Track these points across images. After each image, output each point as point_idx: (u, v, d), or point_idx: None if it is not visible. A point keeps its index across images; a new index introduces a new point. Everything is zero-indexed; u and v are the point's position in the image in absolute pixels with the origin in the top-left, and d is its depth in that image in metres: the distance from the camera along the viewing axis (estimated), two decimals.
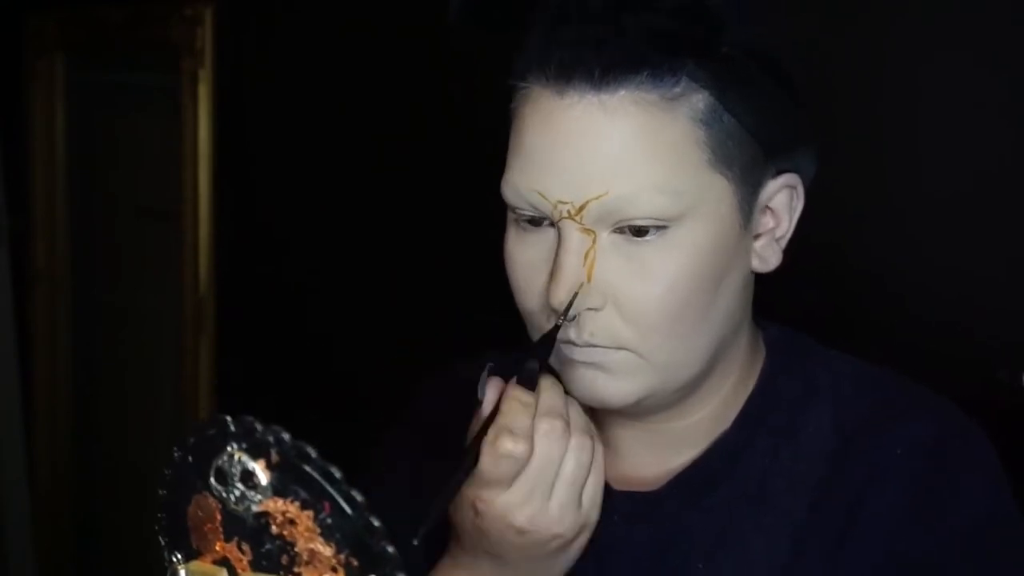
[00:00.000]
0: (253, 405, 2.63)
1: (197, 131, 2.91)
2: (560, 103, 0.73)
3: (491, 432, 0.74)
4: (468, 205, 2.53)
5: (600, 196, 0.73)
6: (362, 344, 2.67)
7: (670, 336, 0.76)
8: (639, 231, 0.74)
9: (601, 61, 0.72)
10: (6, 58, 3.25)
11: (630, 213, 0.73)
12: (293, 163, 2.80)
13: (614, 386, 0.77)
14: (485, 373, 0.78)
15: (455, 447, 0.88)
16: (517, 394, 0.75)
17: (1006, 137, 1.93)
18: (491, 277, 0.83)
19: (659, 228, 0.74)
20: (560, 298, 0.74)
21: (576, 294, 0.74)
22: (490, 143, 0.83)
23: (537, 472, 0.74)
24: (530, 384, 0.76)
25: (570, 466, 0.75)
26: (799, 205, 0.82)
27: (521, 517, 0.74)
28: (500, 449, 0.73)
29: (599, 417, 0.86)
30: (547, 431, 0.75)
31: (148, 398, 3.29)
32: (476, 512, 0.75)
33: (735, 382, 0.84)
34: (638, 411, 0.82)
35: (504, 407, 0.75)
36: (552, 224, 0.76)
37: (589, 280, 0.74)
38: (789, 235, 0.82)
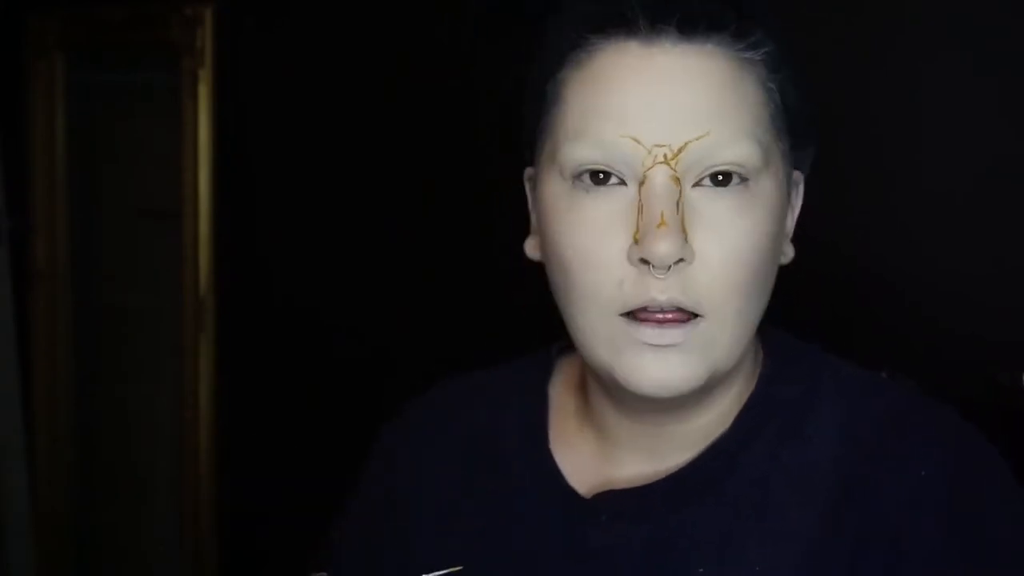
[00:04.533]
0: (253, 405, 2.65)
1: (197, 131, 2.91)
2: (650, 51, 0.73)
3: None
4: (469, 204, 2.53)
5: (700, 137, 0.72)
6: (362, 344, 2.67)
7: (745, 298, 0.74)
8: (724, 180, 0.73)
9: (691, 15, 0.73)
10: (6, 58, 3.25)
11: (723, 158, 0.72)
12: (293, 163, 2.80)
13: (688, 368, 0.73)
14: None
15: (421, 494, 0.89)
16: None
17: (1006, 137, 1.93)
18: (492, 276, 0.83)
19: (742, 181, 0.73)
20: (663, 247, 0.70)
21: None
22: (490, 142, 0.83)
23: None
24: None
25: None
26: (799, 203, 0.83)
27: None
28: None
29: (597, 416, 0.84)
30: None
31: (148, 398, 3.28)
32: None
33: (741, 383, 0.82)
34: (668, 407, 0.78)
35: None
36: (622, 182, 0.73)
37: (683, 229, 0.71)
38: (791, 233, 0.82)
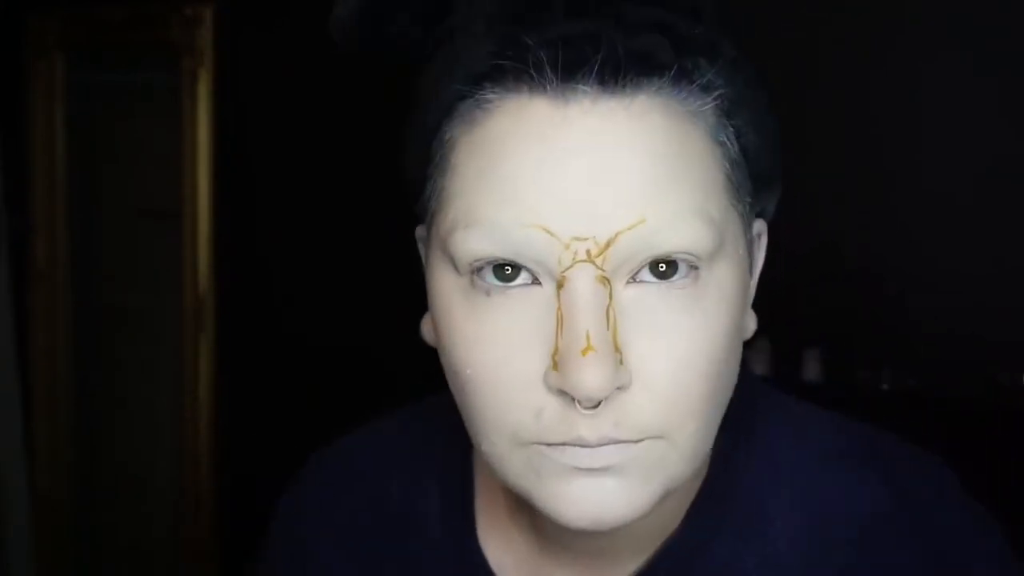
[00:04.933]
0: (253, 405, 2.66)
1: (197, 131, 2.91)
2: (564, 112, 0.55)
3: None
4: None
5: (634, 225, 0.54)
6: (362, 344, 2.67)
7: (706, 411, 0.57)
8: (667, 271, 0.56)
9: (613, 59, 0.55)
10: (6, 58, 3.25)
11: (665, 246, 0.55)
12: (293, 163, 2.80)
13: (630, 493, 0.57)
14: None
15: (352, 540, 0.74)
16: None
17: (1006, 137, 1.93)
18: None
19: (690, 269, 0.56)
20: (594, 380, 0.53)
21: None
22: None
23: None
24: None
25: None
26: (761, 257, 0.66)
27: None
28: None
29: (528, 514, 0.68)
30: None
31: (148, 398, 3.29)
32: None
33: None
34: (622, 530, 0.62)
35: None
36: (535, 280, 0.56)
37: (617, 348, 0.54)
38: (753, 294, 0.65)
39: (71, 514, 3.34)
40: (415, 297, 2.60)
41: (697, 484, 0.66)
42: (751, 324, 0.64)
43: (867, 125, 2.01)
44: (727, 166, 0.58)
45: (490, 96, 0.56)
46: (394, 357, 2.53)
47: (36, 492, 3.24)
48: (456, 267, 0.57)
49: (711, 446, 0.60)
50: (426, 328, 0.66)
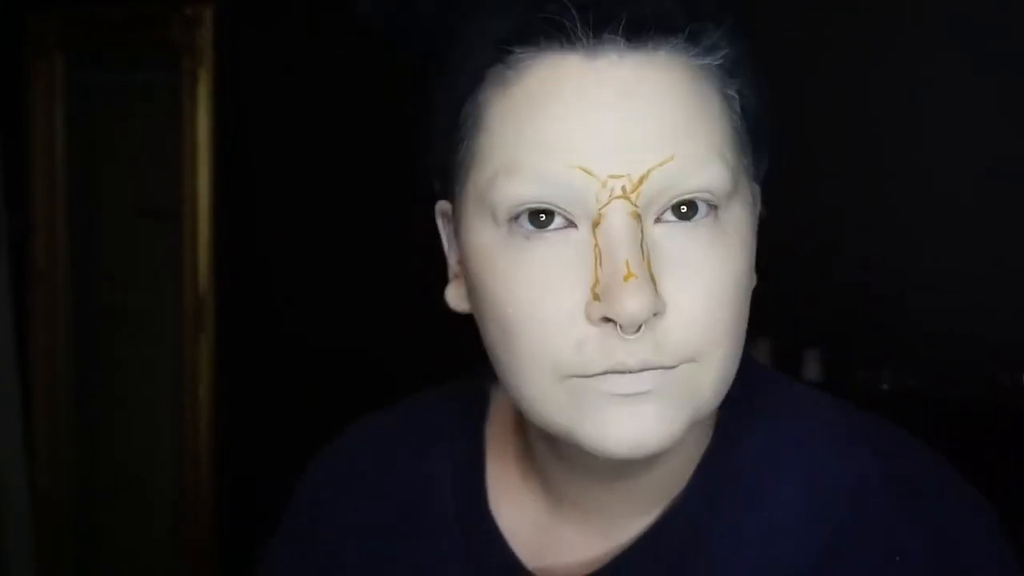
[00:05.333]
0: (253, 405, 2.66)
1: (197, 131, 2.91)
2: (594, 64, 0.60)
3: None
4: None
5: (665, 162, 0.59)
6: (362, 344, 2.67)
7: (731, 341, 0.62)
8: (690, 211, 0.61)
9: (636, 18, 0.60)
10: (6, 58, 3.25)
11: (690, 185, 0.60)
12: (293, 163, 2.80)
13: (665, 420, 0.60)
14: None
15: (343, 550, 0.77)
16: None
17: (1006, 137, 1.93)
18: None
19: (711, 208, 0.61)
20: (634, 305, 0.57)
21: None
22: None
23: None
24: None
25: None
26: (755, 223, 0.69)
27: None
28: None
29: (542, 468, 0.72)
30: None
31: (148, 398, 3.29)
32: None
33: (700, 428, 0.69)
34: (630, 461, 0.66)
35: None
36: (570, 223, 0.61)
37: (652, 277, 0.59)
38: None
39: (71, 514, 3.34)
40: (415, 297, 2.61)
41: (701, 450, 0.70)
42: (754, 278, 0.67)
43: (867, 125, 2.01)
44: (735, 119, 0.64)
45: (522, 56, 0.61)
46: (394, 357, 2.54)
47: (36, 492, 3.24)
48: (495, 218, 0.62)
49: (734, 375, 0.64)
50: (451, 294, 0.72)
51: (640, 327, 0.59)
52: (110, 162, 3.33)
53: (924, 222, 1.99)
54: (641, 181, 0.59)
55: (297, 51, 2.75)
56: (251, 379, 2.91)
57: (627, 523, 0.70)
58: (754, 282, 0.67)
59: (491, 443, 0.75)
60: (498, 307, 0.62)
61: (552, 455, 0.69)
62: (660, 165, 0.59)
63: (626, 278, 0.58)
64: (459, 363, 1.02)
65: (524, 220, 0.61)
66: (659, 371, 0.60)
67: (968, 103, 1.94)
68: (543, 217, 0.61)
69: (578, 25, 0.60)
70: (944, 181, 1.97)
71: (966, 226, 1.95)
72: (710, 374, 0.62)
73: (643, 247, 0.59)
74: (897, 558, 0.66)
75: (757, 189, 0.69)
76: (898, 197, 2.00)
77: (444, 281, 0.78)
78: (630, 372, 0.60)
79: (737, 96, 0.64)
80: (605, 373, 0.60)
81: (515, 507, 0.73)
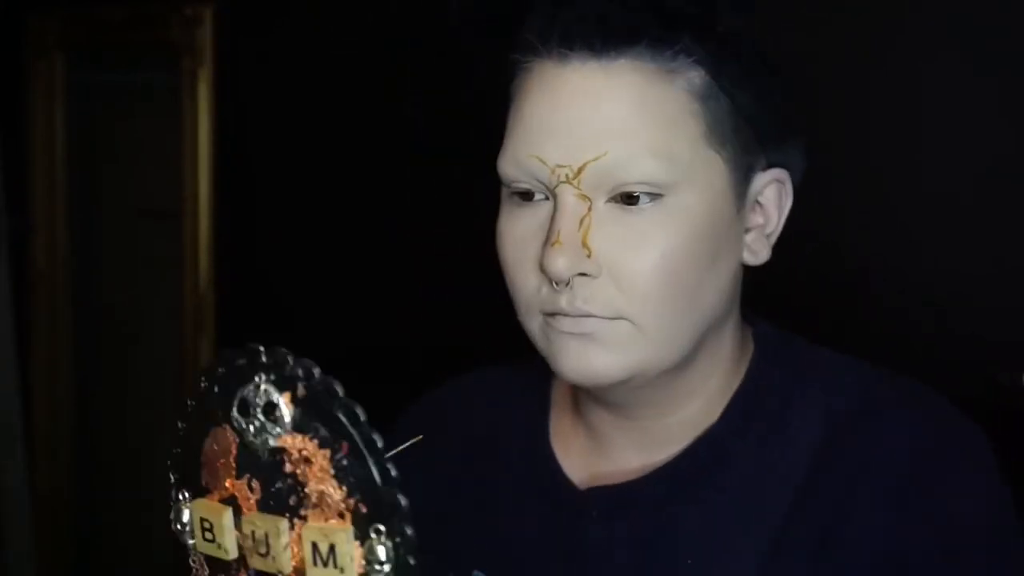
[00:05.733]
0: None
1: (197, 131, 2.91)
2: (561, 71, 0.75)
3: None
4: (471, 204, 2.53)
5: (598, 157, 0.73)
6: (362, 344, 2.67)
7: (664, 306, 0.75)
8: (632, 198, 0.74)
9: (602, 31, 0.73)
10: (6, 58, 3.25)
11: (626, 177, 0.73)
12: (293, 163, 2.80)
13: (607, 358, 0.76)
14: None
15: (443, 475, 0.91)
16: None
17: (1006, 137, 1.93)
18: (493, 277, 0.83)
19: (654, 196, 0.74)
20: (558, 263, 0.73)
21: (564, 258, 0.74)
22: (492, 140, 0.83)
23: None
24: None
25: None
26: (788, 202, 0.82)
27: None
28: None
29: (584, 413, 0.86)
30: None
31: (148, 398, 3.29)
32: None
33: (723, 377, 0.83)
34: (626, 400, 0.81)
35: None
36: (546, 197, 0.76)
37: (585, 245, 0.74)
38: (778, 232, 0.82)
39: (71, 514, 3.34)
40: (415, 297, 2.59)
41: (731, 390, 0.83)
42: (763, 252, 0.81)
43: (867, 125, 2.01)
44: (710, 118, 0.75)
45: (529, 59, 0.77)
46: (394, 357, 2.54)
47: (36, 492, 3.24)
48: (504, 184, 0.79)
49: (687, 343, 0.77)
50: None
51: (569, 282, 0.74)
52: (110, 162, 3.33)
53: (924, 222, 1.99)
54: (579, 171, 0.74)
55: (297, 51, 2.75)
56: None
57: (663, 452, 0.83)
58: (760, 257, 0.80)
59: (554, 400, 0.91)
60: (500, 253, 0.79)
61: (588, 402, 0.85)
62: (595, 160, 0.73)
63: (553, 244, 0.74)
64: (460, 362, 1.02)
65: (515, 193, 0.78)
66: (596, 319, 0.75)
67: (968, 103, 1.94)
68: (526, 192, 0.77)
69: (552, 38, 0.75)
70: (944, 181, 1.97)
71: (966, 226, 1.95)
72: (646, 336, 0.76)
73: (583, 221, 0.74)
74: (888, 448, 0.77)
75: (780, 174, 0.80)
76: (898, 197, 2.00)
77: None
78: (570, 316, 0.75)
79: (716, 95, 0.75)
80: (555, 314, 0.76)
81: (567, 448, 0.88)
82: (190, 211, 2.94)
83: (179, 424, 0.65)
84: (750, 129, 0.77)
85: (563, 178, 0.74)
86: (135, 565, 3.34)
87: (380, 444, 0.56)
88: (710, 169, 0.75)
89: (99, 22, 3.14)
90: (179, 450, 0.65)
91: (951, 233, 1.97)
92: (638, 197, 0.74)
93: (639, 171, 0.73)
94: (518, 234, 0.77)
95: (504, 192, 0.79)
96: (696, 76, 0.75)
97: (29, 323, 3.26)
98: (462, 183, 2.46)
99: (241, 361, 0.61)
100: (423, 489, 0.88)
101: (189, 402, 0.64)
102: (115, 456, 3.36)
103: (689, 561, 0.79)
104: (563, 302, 0.75)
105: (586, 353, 0.76)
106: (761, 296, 0.88)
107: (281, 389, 0.60)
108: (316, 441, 0.58)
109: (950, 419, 0.80)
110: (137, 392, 3.32)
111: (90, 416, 3.36)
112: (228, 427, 0.61)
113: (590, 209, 0.74)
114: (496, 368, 0.99)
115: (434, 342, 2.45)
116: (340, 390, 0.58)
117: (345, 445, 0.57)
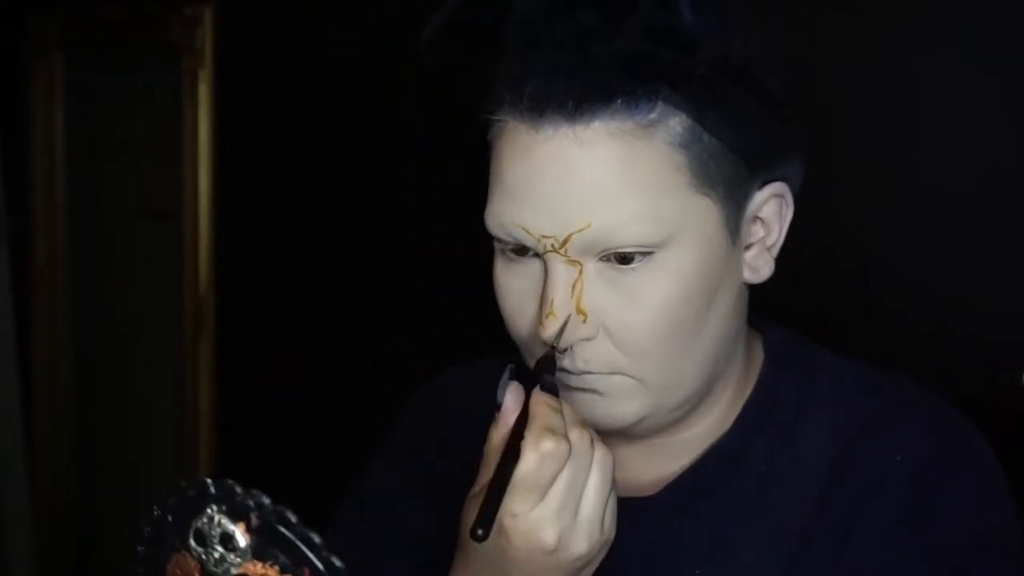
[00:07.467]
0: (253, 405, 2.63)
1: (197, 131, 2.91)
2: (535, 137, 0.72)
3: (530, 433, 0.70)
4: (471, 204, 2.52)
5: (582, 229, 0.72)
6: (362, 344, 2.67)
7: (664, 360, 0.75)
8: (624, 259, 0.73)
9: (572, 93, 0.70)
10: (6, 58, 3.25)
11: (614, 243, 0.72)
12: (293, 163, 2.80)
13: (613, 409, 0.77)
14: (507, 376, 0.75)
15: (456, 450, 0.87)
16: (546, 399, 0.72)
17: (1006, 137, 1.93)
18: (492, 277, 0.82)
19: (644, 254, 0.73)
20: (551, 333, 0.73)
21: (565, 325, 0.74)
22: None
23: (568, 484, 0.70)
24: (552, 393, 0.75)
25: (595, 479, 0.72)
26: (789, 213, 0.81)
27: (551, 534, 0.69)
28: (543, 447, 0.69)
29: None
30: (577, 439, 0.71)
31: (148, 398, 3.29)
32: (501, 529, 0.70)
33: (734, 390, 0.83)
34: (637, 431, 0.81)
35: (538, 409, 0.71)
36: (537, 255, 0.75)
37: (579, 313, 0.74)
38: (780, 243, 0.81)
39: (71, 514, 3.34)
40: (416, 297, 2.59)
41: (742, 399, 0.83)
42: (765, 270, 0.80)
43: (867, 125, 2.01)
44: (695, 164, 0.73)
45: (501, 118, 0.75)
46: (394, 357, 2.53)
47: (36, 492, 3.24)
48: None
49: (694, 382, 0.78)
50: None
51: (567, 349, 0.75)
52: (110, 162, 3.33)
53: (924, 222, 1.98)
54: (565, 242, 0.73)
55: (297, 51, 2.75)
56: (251, 379, 2.91)
57: (675, 461, 0.83)
58: (762, 275, 0.80)
59: None
60: (500, 305, 0.79)
61: None
62: (579, 231, 0.72)
63: (547, 315, 0.74)
64: (460, 363, 1.02)
65: (506, 247, 0.77)
66: (597, 376, 0.76)
67: (968, 103, 1.94)
68: (518, 248, 0.76)
69: (522, 99, 0.72)
70: (944, 181, 1.97)
71: (966, 226, 1.95)
72: (647, 386, 0.76)
73: (576, 286, 0.74)
74: (897, 459, 0.77)
75: (782, 188, 0.79)
76: (898, 197, 2.00)
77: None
78: (574, 374, 0.76)
79: (700, 137, 0.73)
80: (561, 371, 0.76)
81: None
82: (190, 211, 2.94)
83: (138, 547, 0.67)
84: (741, 160, 0.75)
85: (549, 247, 0.73)
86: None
87: (340, 565, 0.57)
88: (701, 215, 0.74)
89: (99, 22, 3.14)
90: (142, 571, 0.67)
91: (951, 233, 1.96)
92: (631, 258, 0.73)
93: (627, 237, 0.72)
94: (515, 289, 0.77)
95: (496, 244, 0.78)
96: (677, 123, 0.72)
97: (29, 323, 3.26)
98: (462, 183, 2.46)
99: (191, 492, 0.62)
100: (446, 459, 0.90)
101: (145, 528, 0.66)
102: (115, 456, 3.36)
103: (698, 572, 0.79)
104: (565, 363, 0.75)
105: (594, 406, 0.77)
106: (761, 296, 0.88)
107: (235, 520, 0.60)
108: (277, 567, 0.59)
109: (958, 432, 0.80)
110: (137, 392, 3.32)
111: (90, 416, 3.36)
112: (188, 554, 0.63)
113: (581, 272, 0.74)
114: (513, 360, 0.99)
115: (434, 342, 2.45)
116: (293, 518, 0.58)
117: (306, 570, 0.58)
